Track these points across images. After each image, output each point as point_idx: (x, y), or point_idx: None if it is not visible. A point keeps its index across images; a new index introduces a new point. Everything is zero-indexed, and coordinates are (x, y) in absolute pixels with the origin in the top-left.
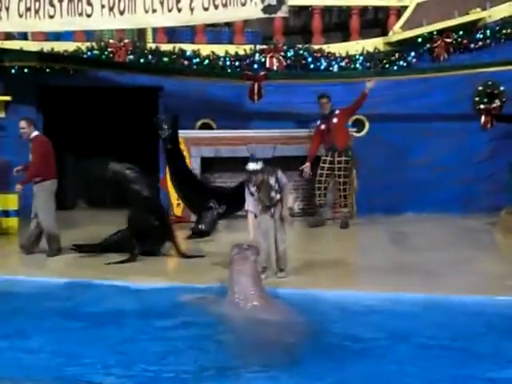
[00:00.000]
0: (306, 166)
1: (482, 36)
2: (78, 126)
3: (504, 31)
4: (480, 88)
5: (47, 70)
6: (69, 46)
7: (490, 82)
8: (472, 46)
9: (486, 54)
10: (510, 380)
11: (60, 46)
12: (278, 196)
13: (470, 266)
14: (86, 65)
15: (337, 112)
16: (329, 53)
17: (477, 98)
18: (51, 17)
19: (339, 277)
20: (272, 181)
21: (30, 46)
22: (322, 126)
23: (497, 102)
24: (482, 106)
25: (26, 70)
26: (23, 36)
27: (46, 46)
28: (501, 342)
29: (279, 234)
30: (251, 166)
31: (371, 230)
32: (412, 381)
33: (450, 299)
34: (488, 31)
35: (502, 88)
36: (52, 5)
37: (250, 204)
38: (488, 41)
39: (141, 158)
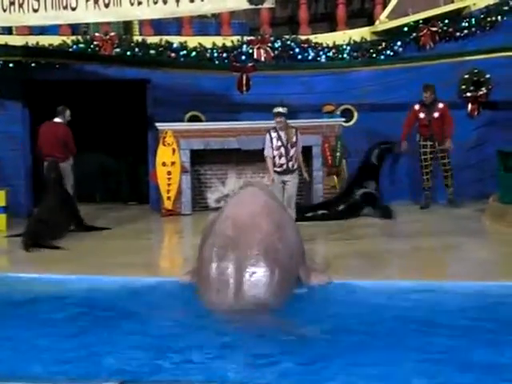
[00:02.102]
0: (404, 146)
1: (467, 24)
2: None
3: (489, 19)
4: (466, 76)
5: (33, 65)
6: (54, 40)
7: (475, 70)
8: (457, 34)
9: (471, 42)
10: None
11: (45, 40)
12: (295, 163)
13: (459, 252)
14: (71, 58)
15: (440, 106)
16: (316, 43)
17: (463, 86)
18: (35, 11)
19: (330, 265)
20: (293, 132)
21: (15, 40)
22: (422, 115)
23: (483, 90)
24: (468, 94)
25: (11, 65)
26: (7, 31)
27: (31, 40)
28: (493, 326)
29: (289, 209)
30: (279, 108)
31: (360, 219)
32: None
33: (441, 285)
34: (473, 19)
35: (487, 76)
36: None
37: (268, 151)
38: (473, 29)
39: (129, 152)
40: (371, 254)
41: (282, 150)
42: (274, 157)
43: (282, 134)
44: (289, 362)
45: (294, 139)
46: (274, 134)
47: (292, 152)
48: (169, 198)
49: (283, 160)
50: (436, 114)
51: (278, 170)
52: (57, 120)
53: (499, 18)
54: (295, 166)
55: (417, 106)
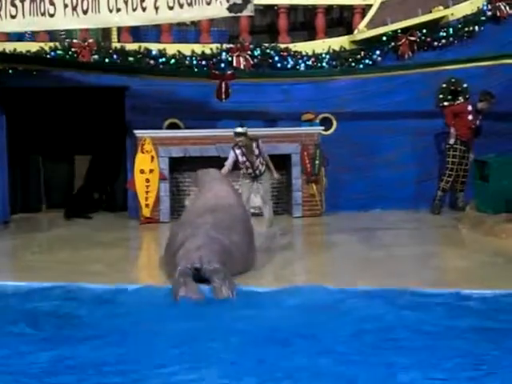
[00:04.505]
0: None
1: (445, 34)
2: (43, 127)
3: (466, 29)
4: (444, 85)
5: (10, 71)
6: (31, 47)
7: (453, 80)
8: (435, 43)
9: (449, 51)
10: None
11: (22, 47)
12: (263, 167)
13: (436, 260)
14: (49, 65)
15: (480, 117)
16: (295, 51)
17: (441, 96)
18: (13, 17)
19: (306, 272)
20: (254, 146)
21: None
22: (470, 117)
23: (460, 99)
24: (445, 103)
25: None
26: None
27: (8, 47)
28: (467, 334)
29: (267, 205)
30: (238, 129)
31: (339, 227)
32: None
33: (416, 292)
34: (451, 29)
35: (465, 85)
36: (14, 5)
37: (228, 163)
38: (451, 38)
39: (107, 159)
40: (344, 261)
41: (248, 163)
42: (241, 169)
43: (245, 150)
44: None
45: (257, 152)
46: (238, 151)
47: (257, 163)
48: (147, 206)
49: (250, 171)
50: (478, 122)
51: (249, 177)
52: None
53: (476, 27)
54: (262, 170)
55: (469, 107)
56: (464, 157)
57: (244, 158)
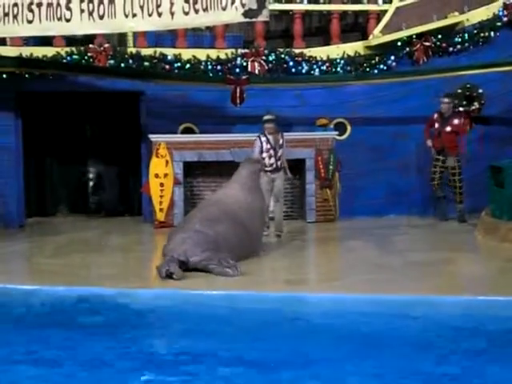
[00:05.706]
0: (429, 144)
1: (460, 39)
2: (59, 131)
3: (482, 34)
4: (459, 91)
5: (26, 76)
6: (48, 51)
7: (468, 85)
8: (450, 49)
9: (464, 57)
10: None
11: (39, 51)
12: (280, 162)
13: (451, 266)
14: (65, 70)
15: (455, 122)
16: (310, 57)
17: (456, 101)
18: (30, 22)
19: (319, 279)
20: (279, 135)
21: (9, 51)
22: (436, 125)
23: (475, 105)
24: (460, 109)
25: (4, 76)
26: (1, 41)
27: (25, 51)
28: (485, 341)
29: (278, 203)
30: (267, 116)
31: (353, 233)
32: None
33: (432, 299)
34: (466, 34)
35: (480, 90)
36: (31, 10)
37: (255, 154)
38: (466, 44)
39: (123, 164)
40: (358, 267)
41: (272, 151)
42: (263, 158)
43: (271, 137)
44: None
45: (281, 141)
46: (263, 139)
47: (280, 153)
48: (161, 210)
49: (272, 160)
50: (448, 128)
51: (269, 169)
52: None
53: (492, 33)
54: (282, 165)
55: (435, 115)
56: (446, 167)
57: (269, 146)
